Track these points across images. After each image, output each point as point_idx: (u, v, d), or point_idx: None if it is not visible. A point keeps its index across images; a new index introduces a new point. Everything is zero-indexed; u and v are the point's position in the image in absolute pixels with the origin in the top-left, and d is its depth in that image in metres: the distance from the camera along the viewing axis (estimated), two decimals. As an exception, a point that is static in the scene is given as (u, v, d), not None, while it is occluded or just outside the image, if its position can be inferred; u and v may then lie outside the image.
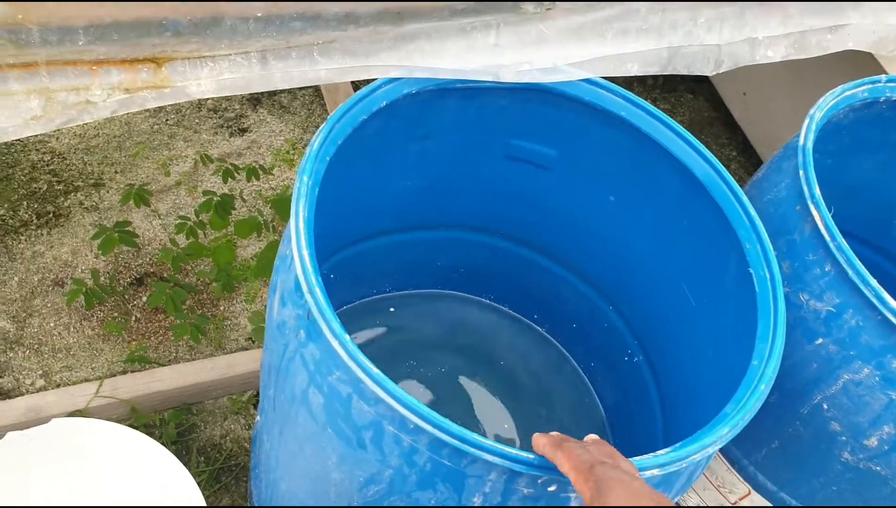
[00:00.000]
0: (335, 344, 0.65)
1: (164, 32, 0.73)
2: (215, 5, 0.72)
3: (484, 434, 1.10)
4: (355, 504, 0.75)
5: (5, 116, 0.75)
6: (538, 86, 0.90)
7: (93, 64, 0.75)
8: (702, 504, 1.11)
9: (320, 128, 0.79)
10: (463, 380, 1.18)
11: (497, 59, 0.89)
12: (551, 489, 0.66)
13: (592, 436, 0.70)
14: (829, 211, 0.89)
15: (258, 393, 1.39)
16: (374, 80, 0.85)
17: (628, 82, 1.92)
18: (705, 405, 0.90)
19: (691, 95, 2.08)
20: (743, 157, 1.97)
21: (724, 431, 0.69)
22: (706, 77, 2.03)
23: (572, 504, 0.68)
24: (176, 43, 0.75)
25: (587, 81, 0.91)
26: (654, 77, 2.06)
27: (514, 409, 1.17)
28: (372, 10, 0.79)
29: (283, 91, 1.80)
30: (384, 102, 0.84)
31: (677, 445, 0.68)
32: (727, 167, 1.96)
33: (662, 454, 0.67)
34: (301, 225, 0.70)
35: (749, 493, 1.03)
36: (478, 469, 0.66)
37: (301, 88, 1.82)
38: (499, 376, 1.20)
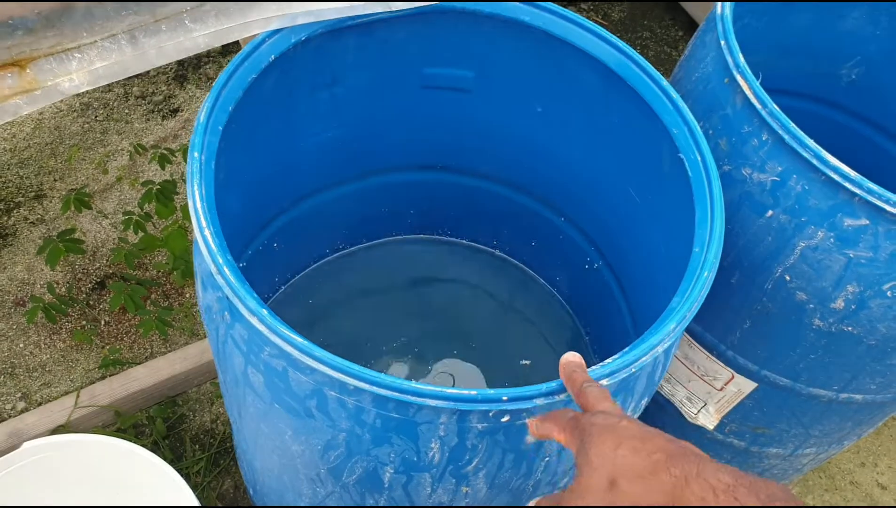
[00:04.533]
0: (254, 321, 0.63)
1: (14, 32, 0.68)
2: (59, -8, 0.67)
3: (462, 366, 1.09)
4: (322, 472, 0.74)
5: None
6: (435, 7, 0.85)
7: (-49, 80, 0.70)
8: (690, 396, 1.10)
9: (205, 98, 0.75)
10: (433, 315, 1.16)
11: (385, -12, 0.84)
12: (504, 419, 0.64)
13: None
14: (758, 77, 0.85)
15: (239, 372, 1.37)
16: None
17: (559, -19, 1.85)
18: (666, 298, 0.88)
19: (628, -18, 2.01)
20: (689, 34, 1.91)
21: (671, 327, 0.67)
22: (639, -41, 1.95)
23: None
24: (32, 41, 0.70)
25: (483, -9, 0.86)
26: (585, -30, 1.99)
27: (492, 333, 1.15)
28: (235, -37, 0.74)
29: (207, 62, 1.74)
30: (272, 57, 0.80)
31: (625, 350, 0.66)
32: (675, 48, 1.90)
33: (610, 361, 0.65)
34: (199, 205, 0.67)
35: (733, 377, 1.02)
36: (427, 416, 0.64)
37: (226, 56, 1.76)
38: (470, 304, 1.18)
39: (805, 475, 1.39)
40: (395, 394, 0.62)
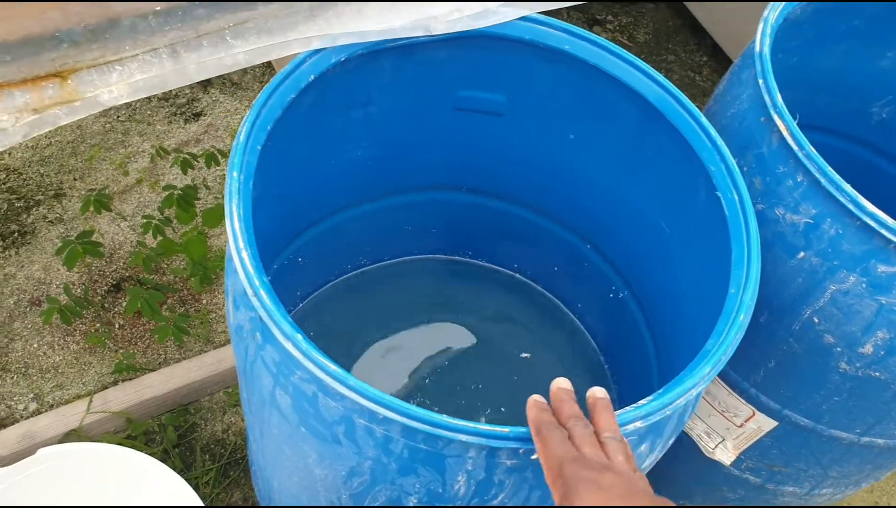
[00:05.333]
0: (288, 346, 0.62)
1: (60, 44, 0.68)
2: (106, 6, 0.67)
3: (480, 393, 1.08)
4: (344, 497, 0.74)
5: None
6: (474, 32, 0.85)
7: (-8, 88, 0.70)
8: (709, 431, 1.09)
9: (245, 116, 0.75)
10: (452, 339, 1.15)
11: (426, 11, 0.84)
12: (534, 457, 0.64)
13: (596, 389, 0.66)
14: (795, 118, 0.85)
15: (252, 383, 1.37)
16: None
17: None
18: (694, 335, 0.87)
19: (653, 6, 2.01)
20: (714, 60, 1.91)
21: (707, 370, 0.66)
22: (666, -16, 1.95)
23: (559, 468, 0.65)
24: (76, 53, 0.70)
25: (523, 18, 0.86)
26: (613, -7, 1.99)
27: (509, 359, 1.14)
28: (279, -18, 0.74)
29: (232, 68, 1.74)
30: (312, 77, 0.79)
31: (659, 392, 0.65)
32: (699, 73, 1.90)
33: (644, 403, 0.64)
34: (237, 225, 0.67)
35: (753, 414, 1.01)
36: (456, 450, 0.63)
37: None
38: (489, 330, 1.17)
39: (816, 512, 1.38)
40: (426, 427, 0.61)
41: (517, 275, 1.20)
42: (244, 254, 0.65)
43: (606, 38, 1.73)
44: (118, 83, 0.74)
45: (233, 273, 0.72)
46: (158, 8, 0.70)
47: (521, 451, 0.63)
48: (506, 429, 0.61)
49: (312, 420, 0.68)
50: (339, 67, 0.82)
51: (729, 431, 1.07)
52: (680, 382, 0.65)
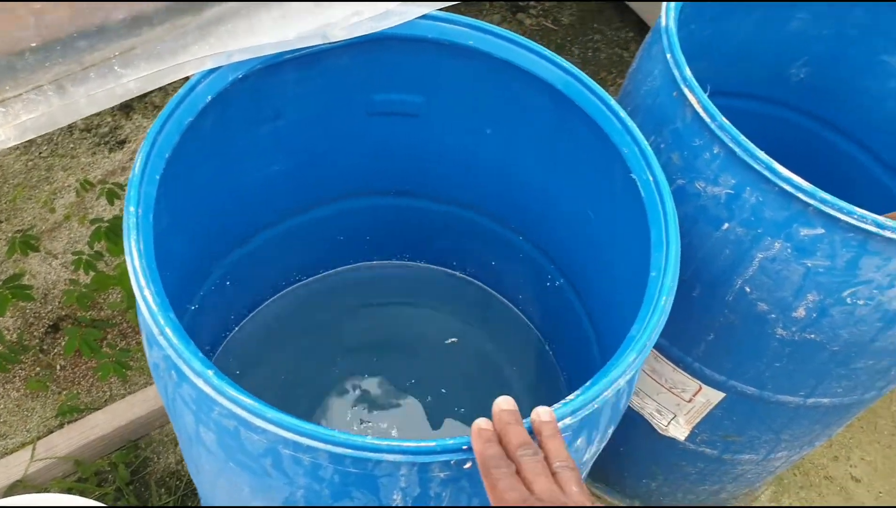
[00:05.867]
0: (200, 384, 0.60)
1: (-70, 92, 0.65)
2: (-25, 48, 0.64)
3: (431, 391, 1.07)
4: (284, 527, 0.72)
5: None
6: (376, 35, 0.83)
7: None
8: (660, 409, 1.09)
9: (141, 146, 0.72)
10: (396, 344, 1.14)
11: (323, 18, 0.82)
12: (467, 466, 0.62)
13: (541, 411, 0.61)
14: (706, 89, 0.84)
15: (202, 410, 1.34)
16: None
17: (507, -11, 1.84)
18: (627, 318, 0.87)
19: (576, -15, 2.00)
20: (640, 35, 1.91)
21: (632, 358, 0.65)
22: (586, -38, 1.94)
23: (494, 474, 0.64)
24: (-49, 99, 0.67)
25: (425, 17, 0.84)
26: (533, -24, 1.97)
27: (457, 355, 1.13)
28: (161, 6, 0.72)
29: (154, 90, 1.69)
30: (209, 97, 0.77)
31: (586, 385, 0.64)
32: (626, 49, 1.90)
33: (572, 399, 0.63)
34: (137, 263, 0.64)
35: (701, 388, 1.01)
36: (386, 469, 0.62)
37: (173, 83, 1.72)
38: (434, 327, 1.16)
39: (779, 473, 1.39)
40: (350, 451, 0.59)
41: (457, 273, 1.18)
42: (146, 293, 0.63)
43: (531, 24, 1.73)
44: (4, 126, 0.71)
45: (141, 313, 0.70)
46: (34, 44, 0.67)
47: (452, 463, 0.62)
48: (432, 443, 0.60)
49: (239, 455, 0.66)
50: (238, 84, 0.80)
51: (679, 407, 1.07)
52: (606, 373, 0.64)
